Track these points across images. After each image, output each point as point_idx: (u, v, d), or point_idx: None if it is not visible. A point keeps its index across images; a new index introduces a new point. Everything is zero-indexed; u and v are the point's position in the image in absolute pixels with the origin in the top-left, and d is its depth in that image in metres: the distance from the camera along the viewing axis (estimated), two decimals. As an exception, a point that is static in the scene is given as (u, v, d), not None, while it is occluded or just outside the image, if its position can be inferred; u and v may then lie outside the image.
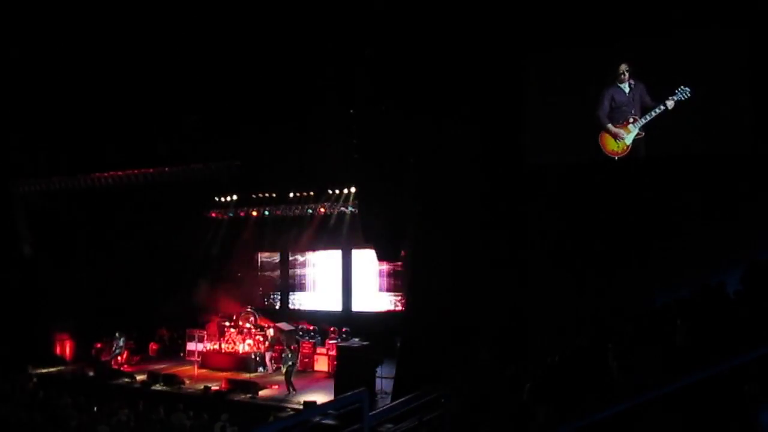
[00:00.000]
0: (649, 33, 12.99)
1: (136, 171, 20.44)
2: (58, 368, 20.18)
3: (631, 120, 13.39)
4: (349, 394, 4.38)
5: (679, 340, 4.66)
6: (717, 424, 2.74)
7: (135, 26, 16.91)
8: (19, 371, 18.88)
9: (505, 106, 13.90)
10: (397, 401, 6.25)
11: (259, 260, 23.33)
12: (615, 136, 13.53)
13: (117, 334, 20.18)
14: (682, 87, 12.86)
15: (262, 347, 19.30)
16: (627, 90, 13.41)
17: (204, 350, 19.87)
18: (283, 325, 19.69)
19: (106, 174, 20.88)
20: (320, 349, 18.85)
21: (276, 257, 23.05)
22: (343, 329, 18.87)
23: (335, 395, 14.73)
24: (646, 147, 13.33)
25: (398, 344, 15.44)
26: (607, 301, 11.62)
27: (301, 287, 22.60)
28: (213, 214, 22.59)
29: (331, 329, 19.24)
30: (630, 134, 13.42)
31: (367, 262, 20.63)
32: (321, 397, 15.06)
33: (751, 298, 6.73)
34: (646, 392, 2.70)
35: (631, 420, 2.89)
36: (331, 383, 16.03)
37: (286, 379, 16.39)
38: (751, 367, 2.75)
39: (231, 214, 22.40)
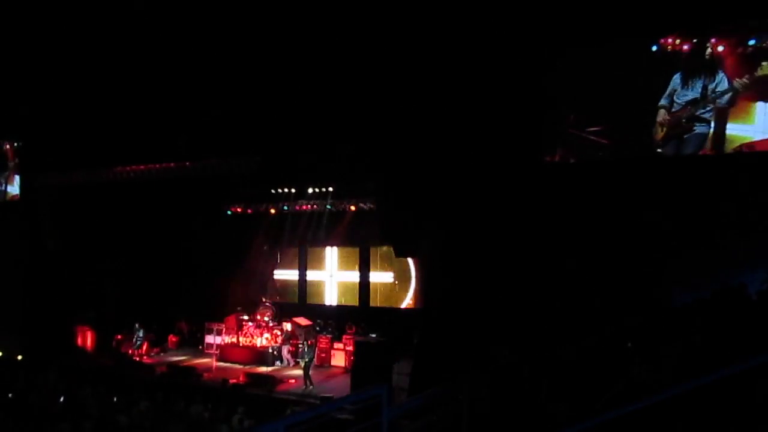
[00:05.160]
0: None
1: (157, 165, 20.62)
2: (80, 359, 20.45)
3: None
4: (368, 388, 4.41)
5: (698, 340, 4.63)
6: (737, 424, 2.74)
7: (158, 21, 17.03)
8: (42, 362, 19.18)
9: (525, 103, 13.83)
10: (416, 397, 6.28)
11: (278, 257, 23.44)
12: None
13: (137, 326, 20.46)
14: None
15: (279, 341, 19.43)
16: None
17: (222, 343, 20.05)
18: (301, 320, 19.79)
19: (127, 168, 21.09)
20: (337, 345, 18.92)
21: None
22: (361, 325, 18.92)
23: (352, 390, 14.79)
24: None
25: (415, 341, 15.46)
26: (626, 300, 11.55)
27: (320, 282, 22.66)
28: (232, 209, 22.72)
29: (348, 324, 19.30)
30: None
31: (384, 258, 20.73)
32: (338, 392, 15.12)
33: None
34: (663, 391, 2.70)
35: (649, 419, 2.89)
36: (348, 378, 16.11)
37: (303, 373, 16.50)
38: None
39: (250, 209, 22.52)
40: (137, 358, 19.90)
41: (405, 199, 15.41)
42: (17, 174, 23.05)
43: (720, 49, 12.73)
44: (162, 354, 20.93)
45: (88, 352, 21.36)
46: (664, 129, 13.31)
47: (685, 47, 13.08)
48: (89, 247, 21.53)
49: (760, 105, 12.38)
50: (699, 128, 12.98)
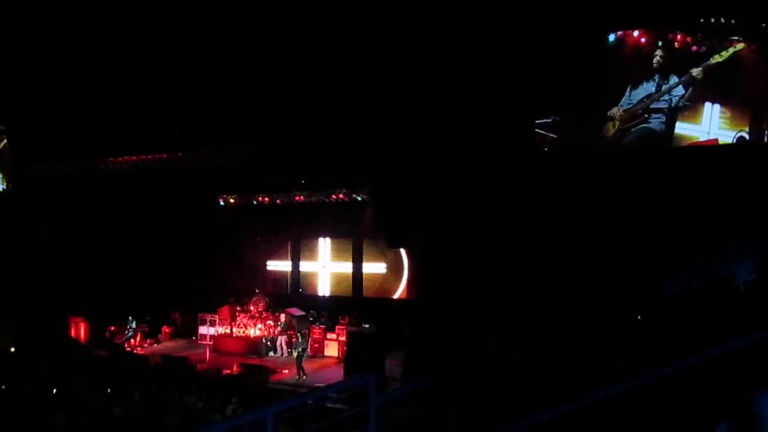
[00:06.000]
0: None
1: (150, 156, 20.57)
2: (73, 350, 20.46)
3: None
4: (356, 376, 4.46)
5: (680, 330, 4.70)
6: (712, 410, 2.79)
7: (151, 12, 16.97)
8: (35, 354, 19.19)
9: (521, 95, 13.87)
10: (404, 385, 6.33)
11: (272, 248, 23.44)
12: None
13: (130, 318, 20.47)
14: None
15: (273, 332, 19.49)
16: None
17: (216, 334, 20.09)
18: (294, 311, 19.84)
19: (120, 159, 21.04)
20: (330, 335, 18.98)
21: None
22: (354, 315, 18.99)
23: (345, 380, 14.84)
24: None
25: (408, 331, 15.54)
26: (618, 291, 11.63)
27: (313, 273, 22.71)
28: (226, 200, 22.70)
29: (342, 315, 19.36)
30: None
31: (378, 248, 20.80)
32: (330, 382, 15.18)
33: (761, 288, 6.73)
34: (636, 377, 2.76)
35: (625, 403, 2.95)
36: (341, 368, 16.18)
37: (297, 363, 16.56)
38: (746, 354, 2.80)
39: (243, 200, 22.50)
40: (130, 349, 19.91)
41: (398, 190, 15.46)
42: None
43: (676, 45, 12.95)
44: (155, 345, 20.96)
45: (82, 344, 21.35)
46: (617, 124, 13.41)
47: (643, 40, 13.23)
48: (82, 239, 21.49)
49: (707, 106, 12.71)
50: (654, 121, 13.14)
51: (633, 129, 13.30)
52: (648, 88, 13.16)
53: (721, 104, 12.56)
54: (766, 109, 12.32)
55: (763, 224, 11.16)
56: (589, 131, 13.88)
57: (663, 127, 13.09)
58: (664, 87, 12.96)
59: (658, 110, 13.07)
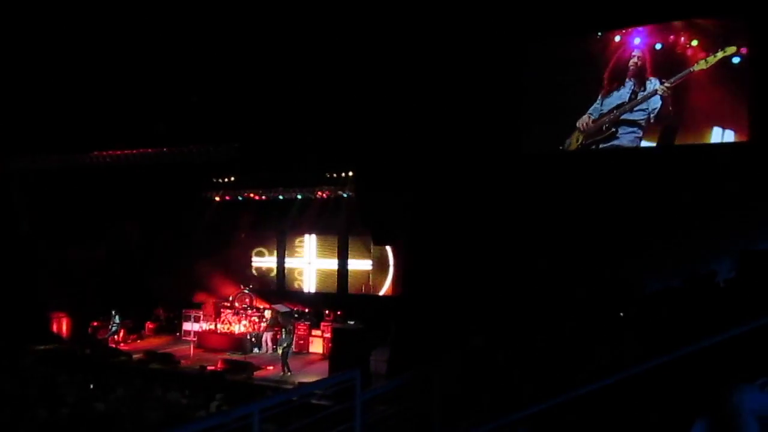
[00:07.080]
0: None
1: (135, 151, 20.43)
2: (55, 346, 20.31)
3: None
4: (342, 373, 4.49)
5: (661, 326, 4.78)
6: (690, 405, 2.85)
7: (137, 5, 16.85)
8: (17, 348, 19.00)
9: (503, 95, 13.93)
10: (390, 382, 6.36)
11: (257, 244, 23.40)
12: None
13: (114, 313, 20.32)
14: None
15: (258, 328, 19.46)
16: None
17: (200, 330, 20.02)
18: (280, 307, 19.81)
19: (104, 153, 20.87)
20: (315, 331, 18.98)
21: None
22: (339, 312, 19.00)
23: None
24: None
25: (393, 328, 15.58)
26: (600, 290, 11.72)
27: (298, 270, 22.69)
28: (211, 195, 22.62)
29: (327, 312, 19.36)
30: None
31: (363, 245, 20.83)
32: (316, 379, 15.19)
33: (741, 286, 6.84)
34: (615, 372, 2.81)
35: (605, 399, 3.00)
36: (326, 365, 16.19)
37: (282, 360, 16.55)
38: (726, 349, 2.86)
39: (229, 196, 22.44)
40: (114, 345, 19.79)
41: (383, 187, 15.48)
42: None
43: (663, 47, 12.06)
44: (139, 341, 20.85)
45: (64, 339, 21.19)
46: (580, 138, 12.77)
47: (637, 41, 12.51)
48: (65, 233, 21.32)
49: (716, 131, 11.77)
50: (624, 136, 12.35)
51: (601, 146, 12.48)
52: (622, 95, 12.30)
53: (734, 131, 11.47)
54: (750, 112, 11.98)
55: (745, 222, 11.30)
56: (551, 142, 13.30)
57: (638, 144, 12.14)
58: (640, 95, 12.07)
59: (631, 123, 12.18)
